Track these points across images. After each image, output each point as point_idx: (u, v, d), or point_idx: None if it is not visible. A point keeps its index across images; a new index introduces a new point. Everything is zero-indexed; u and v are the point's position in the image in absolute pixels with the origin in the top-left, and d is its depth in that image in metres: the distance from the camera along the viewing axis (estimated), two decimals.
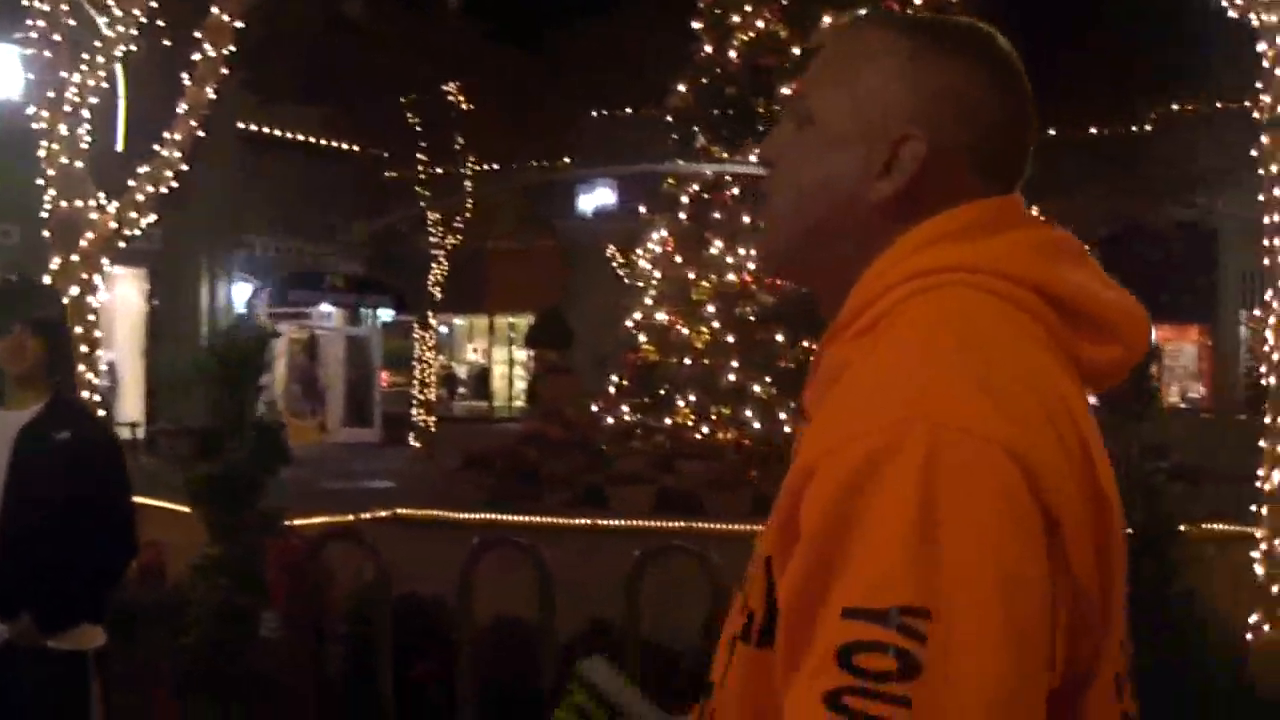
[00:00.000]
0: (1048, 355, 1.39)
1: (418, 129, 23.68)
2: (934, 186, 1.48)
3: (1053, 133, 13.82)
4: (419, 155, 24.21)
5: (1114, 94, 23.87)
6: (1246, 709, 5.48)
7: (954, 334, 1.36)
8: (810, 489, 1.27)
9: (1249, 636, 6.20)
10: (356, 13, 22.52)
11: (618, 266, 24.98)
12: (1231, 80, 6.97)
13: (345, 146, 26.90)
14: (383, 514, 9.92)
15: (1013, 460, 1.25)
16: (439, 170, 24.62)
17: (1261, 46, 6.26)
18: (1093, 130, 24.57)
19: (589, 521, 10.07)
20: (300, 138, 26.69)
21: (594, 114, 26.43)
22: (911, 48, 1.51)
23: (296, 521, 6.45)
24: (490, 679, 5.23)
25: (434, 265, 24.91)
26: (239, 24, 7.97)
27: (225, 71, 8.03)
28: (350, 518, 9.50)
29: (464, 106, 23.37)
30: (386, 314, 30.91)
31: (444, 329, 33.17)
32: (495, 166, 25.74)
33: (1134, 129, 26.59)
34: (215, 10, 7.88)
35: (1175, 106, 26.33)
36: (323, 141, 27.09)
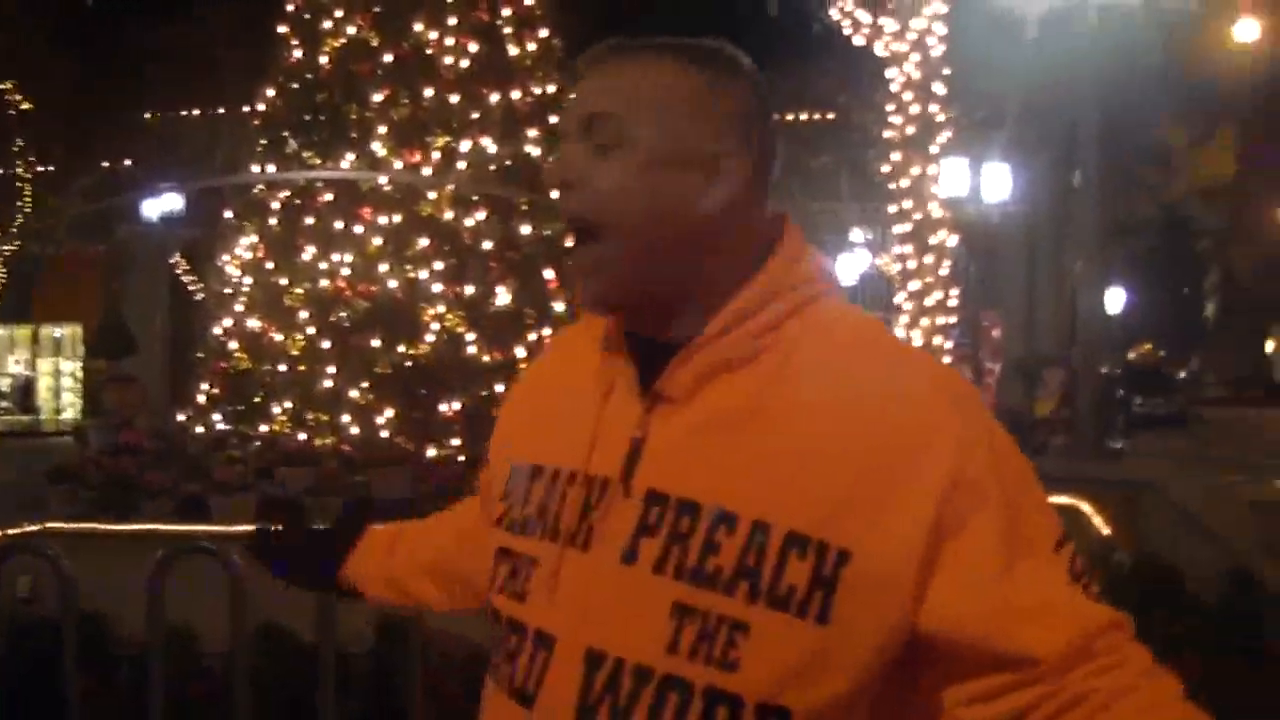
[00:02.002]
0: None
1: None
2: (746, 198, 1.75)
3: None
4: None
5: None
6: None
7: (896, 339, 1.82)
8: (970, 491, 1.65)
9: None
10: None
11: (182, 274, 24.41)
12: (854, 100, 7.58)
13: None
14: (31, 529, 9.45)
15: None
16: None
17: (891, 73, 6.83)
18: None
19: (250, 528, 9.86)
20: None
21: (164, 116, 25.63)
22: (707, 76, 1.74)
23: None
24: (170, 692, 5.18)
25: None
26: None
27: None
28: None
29: (23, 106, 22.30)
30: None
31: None
32: (56, 170, 24.67)
33: None
34: None
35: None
36: None
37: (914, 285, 6.74)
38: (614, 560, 1.69)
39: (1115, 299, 42.37)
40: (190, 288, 23.04)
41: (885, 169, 6.81)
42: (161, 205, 28.08)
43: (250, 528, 2.53)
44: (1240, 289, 61.15)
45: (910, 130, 6.62)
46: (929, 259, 6.67)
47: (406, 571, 2.38)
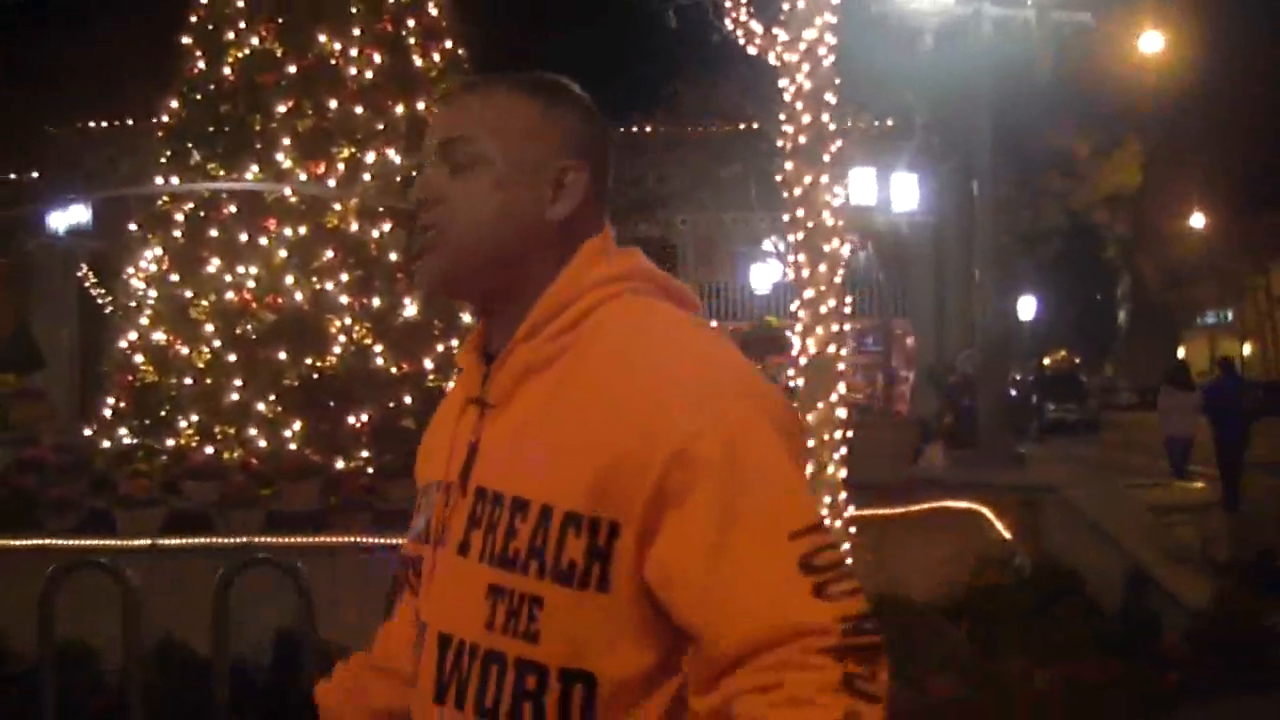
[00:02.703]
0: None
1: None
2: (584, 210, 1.96)
3: None
4: None
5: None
6: None
7: (683, 329, 1.90)
8: (694, 465, 1.74)
9: None
10: None
11: (91, 286, 24.14)
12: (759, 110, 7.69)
13: None
14: None
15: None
16: None
17: (784, 82, 6.93)
18: None
19: (149, 542, 9.82)
20: None
21: (69, 128, 25.30)
22: (542, 102, 1.97)
23: None
24: (68, 705, 5.15)
25: None
26: None
27: None
28: None
29: None
30: None
31: None
32: None
33: None
34: None
35: (649, 129, 27.85)
36: None
37: (808, 293, 6.84)
38: (453, 553, 1.92)
39: (1027, 306, 42.76)
40: (99, 300, 22.80)
41: (778, 178, 6.94)
42: (68, 218, 27.77)
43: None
44: (1150, 296, 62.09)
45: (802, 139, 6.71)
46: (823, 267, 6.77)
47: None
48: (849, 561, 1.77)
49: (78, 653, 5.76)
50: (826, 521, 1.87)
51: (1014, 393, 38.82)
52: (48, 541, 9.84)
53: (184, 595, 5.62)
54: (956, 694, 6.73)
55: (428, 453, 2.12)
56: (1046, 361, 68.41)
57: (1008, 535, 9.77)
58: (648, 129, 27.94)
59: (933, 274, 31.61)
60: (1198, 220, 53.40)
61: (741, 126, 26.48)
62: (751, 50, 7.12)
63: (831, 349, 6.99)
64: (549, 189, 1.94)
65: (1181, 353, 71.61)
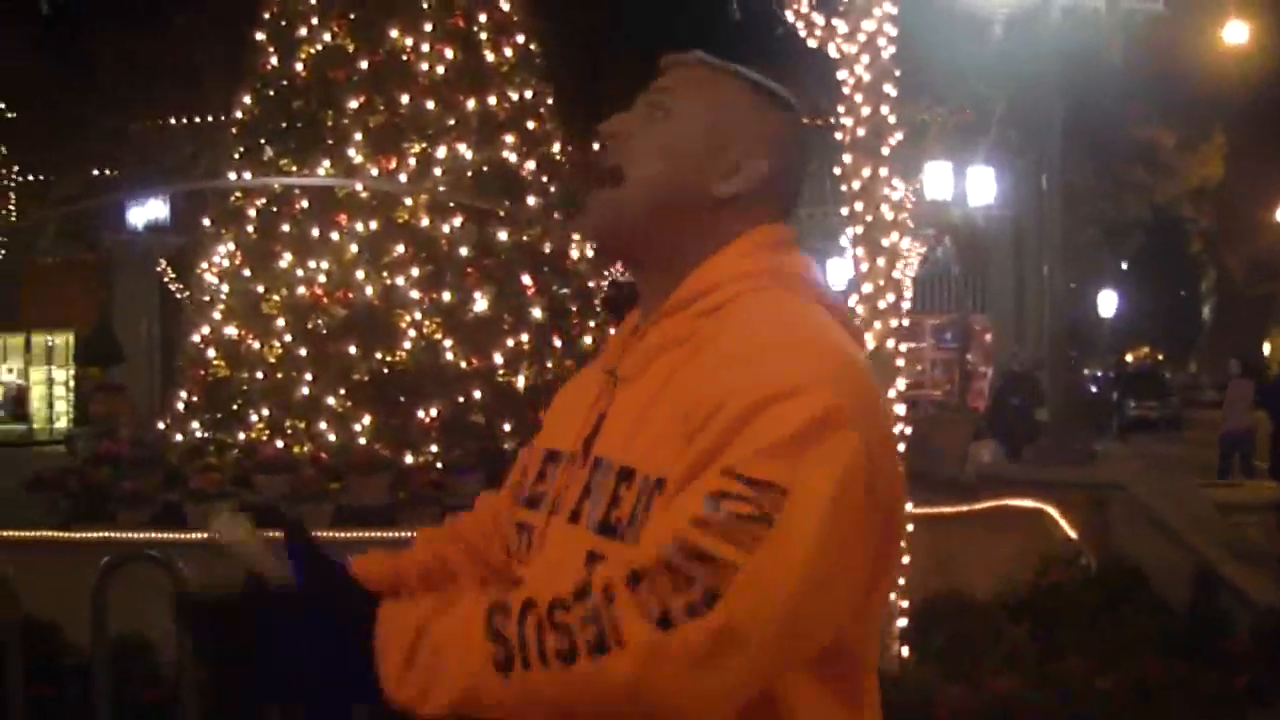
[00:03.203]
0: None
1: None
2: (754, 200, 2.01)
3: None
4: None
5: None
6: None
7: (801, 319, 1.88)
8: (755, 424, 1.70)
9: None
10: None
11: (169, 281, 24.45)
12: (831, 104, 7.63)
13: None
14: None
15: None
16: None
17: (843, 74, 6.91)
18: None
19: (203, 536, 9.88)
20: None
21: (146, 124, 25.58)
22: (756, 97, 2.06)
23: None
24: (124, 697, 5.20)
25: None
26: None
27: None
28: None
29: (5, 115, 22.31)
30: None
31: None
32: (39, 178, 24.67)
33: None
34: None
35: None
36: None
37: (866, 288, 6.80)
38: (565, 521, 1.96)
39: (1108, 301, 42.25)
40: (177, 295, 23.09)
41: (837, 170, 6.92)
42: (147, 213, 28.10)
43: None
44: (1235, 291, 61.22)
45: (861, 132, 6.67)
46: (881, 261, 6.72)
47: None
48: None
49: (133, 645, 5.82)
50: None
51: (1094, 389, 38.55)
52: (100, 534, 9.94)
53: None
54: (1017, 693, 6.67)
55: (554, 418, 2.21)
56: (1130, 358, 67.74)
57: (1073, 534, 9.65)
58: None
59: (1011, 269, 31.38)
60: None
61: (817, 121, 26.36)
62: (812, 43, 7.09)
63: (890, 343, 6.94)
64: (727, 167, 2.01)
65: (1267, 349, 70.64)
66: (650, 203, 1.99)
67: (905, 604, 7.52)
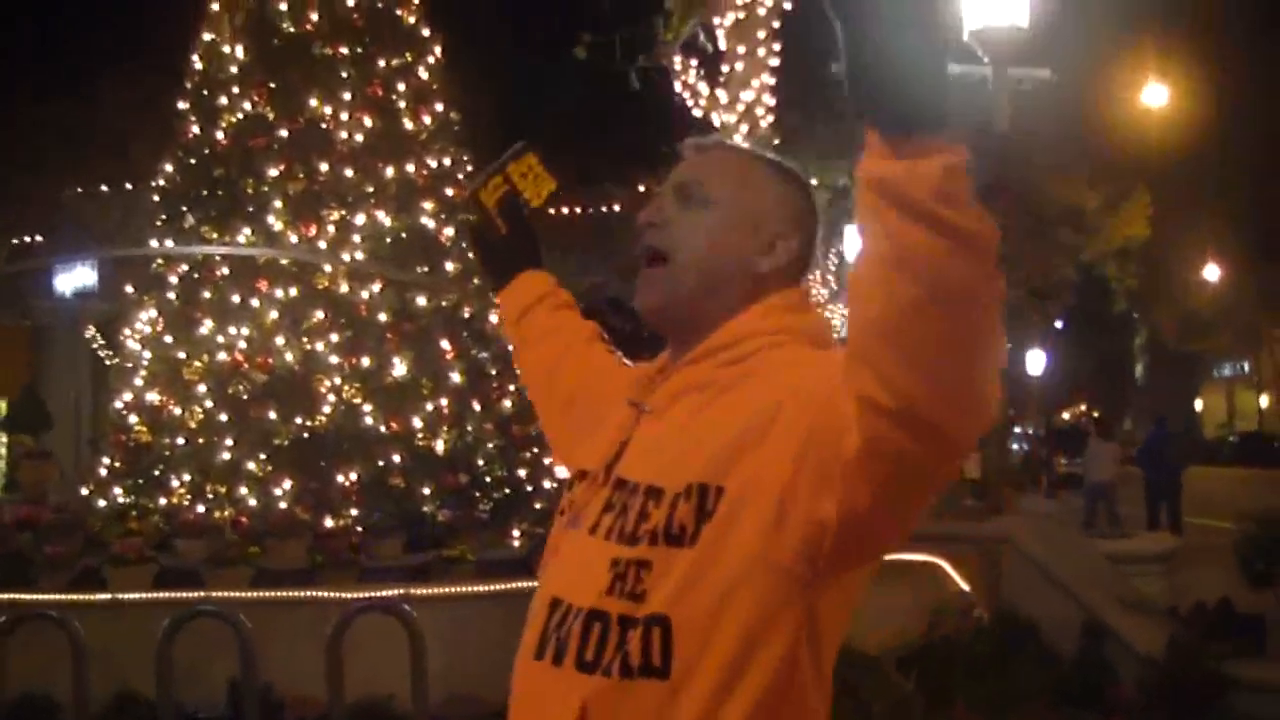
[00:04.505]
0: None
1: None
2: (786, 272, 2.34)
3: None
4: None
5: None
6: None
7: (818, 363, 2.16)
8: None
9: None
10: None
11: (98, 348, 24.42)
12: None
13: None
14: None
15: None
16: None
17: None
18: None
19: (109, 595, 9.98)
20: None
21: (74, 192, 25.57)
22: (782, 178, 2.39)
23: None
24: None
25: None
26: None
27: None
28: None
29: None
30: None
31: None
32: None
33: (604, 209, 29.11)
34: None
35: (641, 188, 28.27)
36: None
37: None
38: (585, 534, 2.24)
39: (1036, 361, 42.70)
40: (106, 362, 23.05)
41: None
42: (74, 280, 28.05)
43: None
44: (1166, 349, 61.91)
45: None
46: None
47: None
48: None
49: (36, 705, 5.90)
50: None
51: (1017, 447, 38.92)
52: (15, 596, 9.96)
53: (144, 647, 5.76)
54: None
55: (577, 442, 2.56)
56: (1066, 416, 68.22)
57: (966, 586, 9.85)
58: (642, 189, 28.30)
59: None
60: (1212, 271, 53.10)
61: None
62: (697, 112, 7.35)
63: None
64: (763, 245, 2.32)
65: (1199, 404, 71.40)
66: (700, 280, 2.30)
67: None
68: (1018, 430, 42.92)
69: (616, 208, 30.46)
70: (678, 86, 7.29)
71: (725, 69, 7.07)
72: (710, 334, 2.28)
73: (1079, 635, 8.79)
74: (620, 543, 2.15)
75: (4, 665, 5.22)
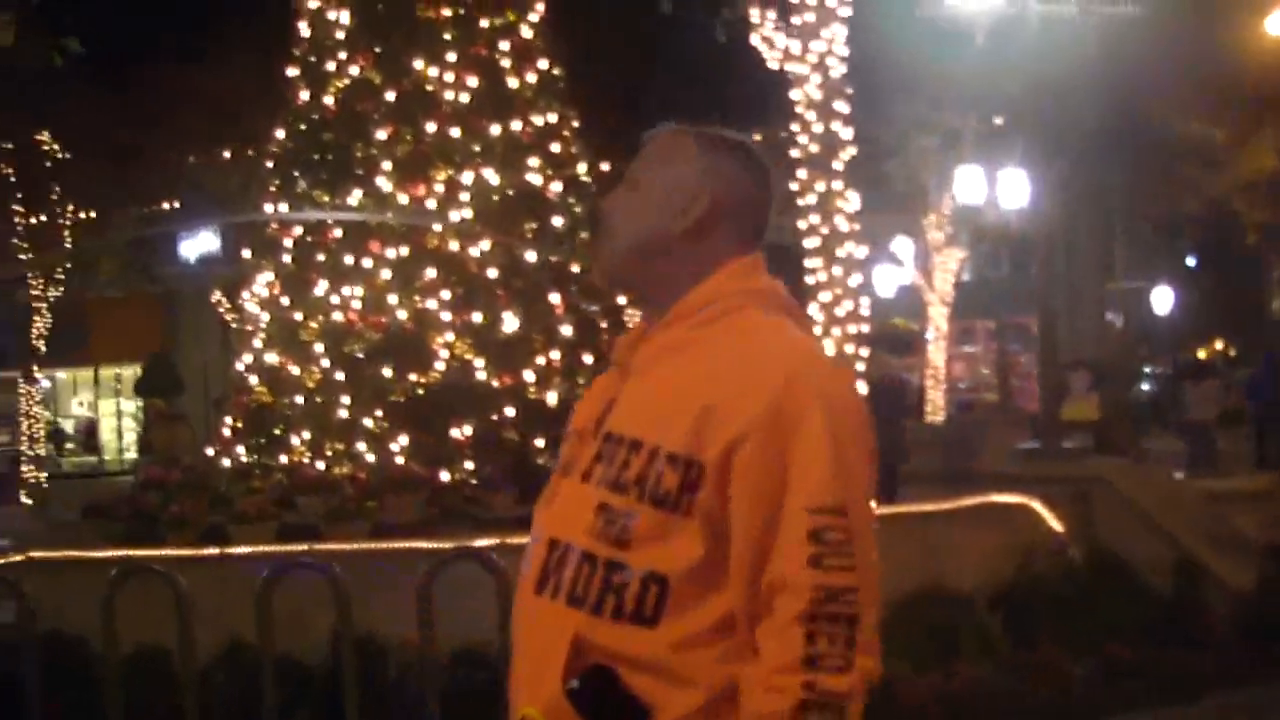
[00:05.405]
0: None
1: (11, 179, 23.04)
2: (712, 230, 2.61)
3: None
4: (14, 207, 23.54)
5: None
6: None
7: (784, 329, 2.55)
8: (755, 426, 2.38)
9: None
10: None
11: (224, 312, 25.00)
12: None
13: None
14: (17, 558, 9.87)
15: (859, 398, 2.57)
16: (35, 221, 24.02)
17: (795, 94, 7.21)
18: None
19: (218, 551, 10.29)
20: None
21: (191, 159, 26.05)
22: (709, 148, 2.66)
23: None
24: (136, 707, 5.53)
25: (36, 318, 24.27)
26: None
27: None
28: None
29: (59, 155, 22.84)
30: None
31: (46, 383, 32.14)
32: (94, 215, 25.19)
33: None
34: None
35: (758, 137, 28.28)
36: None
37: (825, 297, 7.13)
38: (577, 481, 2.56)
39: (1163, 299, 41.91)
40: (232, 326, 23.63)
41: (794, 186, 7.28)
42: (199, 246, 28.68)
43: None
44: None
45: (814, 148, 7.03)
46: (838, 270, 7.05)
47: None
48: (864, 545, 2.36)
49: (150, 655, 6.16)
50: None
51: (1145, 387, 38.32)
52: (121, 553, 10.24)
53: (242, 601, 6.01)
54: (986, 679, 6.91)
55: (580, 405, 2.76)
56: (1202, 355, 66.87)
57: (1059, 527, 9.83)
58: (757, 137, 28.19)
59: (1061, 273, 31.32)
60: None
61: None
62: (773, 64, 7.40)
63: (850, 349, 7.22)
64: (676, 211, 2.60)
65: None
66: (629, 251, 2.64)
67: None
68: (1148, 370, 42.16)
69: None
70: (755, 39, 7.37)
71: (796, 20, 7.15)
72: (680, 298, 2.58)
73: (1171, 574, 8.79)
74: (607, 488, 2.47)
75: (117, 618, 5.45)
